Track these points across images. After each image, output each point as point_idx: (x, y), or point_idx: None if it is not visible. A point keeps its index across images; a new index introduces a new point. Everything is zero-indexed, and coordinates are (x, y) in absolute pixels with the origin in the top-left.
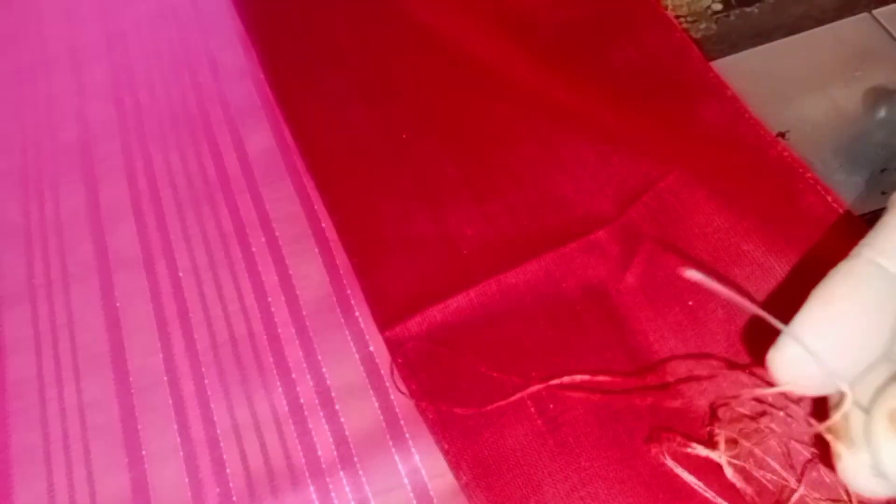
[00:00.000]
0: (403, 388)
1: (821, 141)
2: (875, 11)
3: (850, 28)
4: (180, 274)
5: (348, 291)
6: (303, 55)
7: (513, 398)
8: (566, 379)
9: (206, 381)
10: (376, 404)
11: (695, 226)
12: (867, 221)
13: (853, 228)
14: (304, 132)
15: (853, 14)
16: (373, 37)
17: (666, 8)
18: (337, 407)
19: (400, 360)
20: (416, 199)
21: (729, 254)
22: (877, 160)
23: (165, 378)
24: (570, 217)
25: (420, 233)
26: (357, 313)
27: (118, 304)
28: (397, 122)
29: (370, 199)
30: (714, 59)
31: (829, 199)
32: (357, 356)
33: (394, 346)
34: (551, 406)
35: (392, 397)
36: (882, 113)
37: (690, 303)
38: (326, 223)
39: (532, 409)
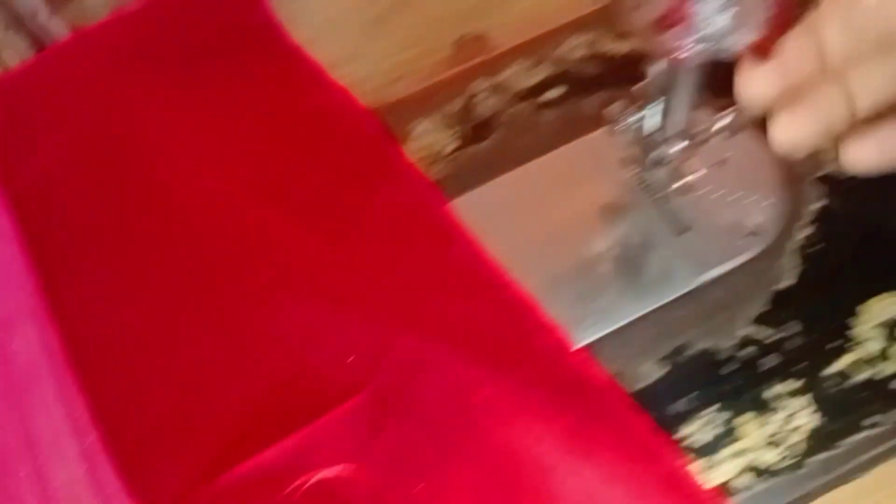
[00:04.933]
0: None
1: (547, 266)
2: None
3: (568, 154)
4: None
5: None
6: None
7: None
8: None
9: None
10: None
11: (431, 384)
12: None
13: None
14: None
15: (570, 141)
16: (129, 214)
17: (407, 155)
18: None
19: None
20: (179, 386)
21: (461, 406)
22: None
23: None
24: (320, 389)
25: (183, 421)
26: None
27: None
28: (153, 297)
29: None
30: (452, 198)
31: (558, 336)
32: None
33: None
34: None
35: None
36: (615, 231)
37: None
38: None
39: None
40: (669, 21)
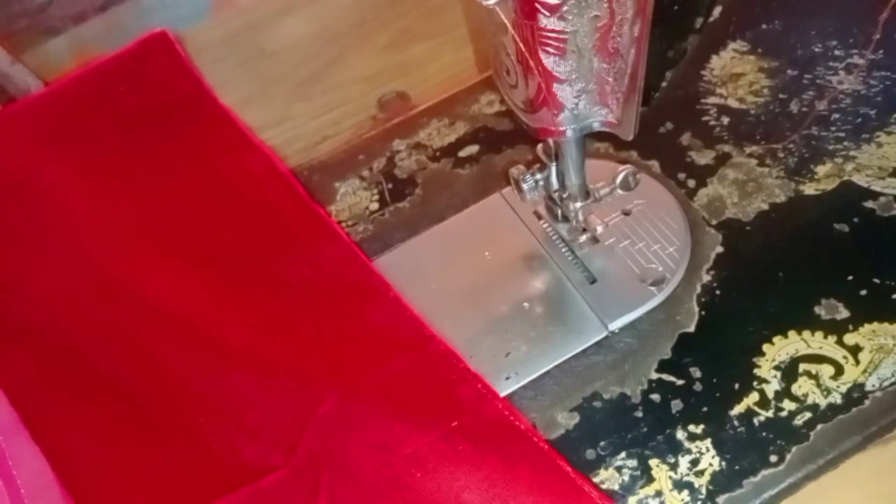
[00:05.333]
0: None
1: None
2: (504, 190)
3: (484, 209)
4: None
5: None
6: None
7: None
8: None
9: None
10: None
11: (359, 443)
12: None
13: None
14: None
15: (488, 195)
16: (60, 283)
17: (330, 214)
18: None
19: None
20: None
21: (391, 461)
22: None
23: None
24: (254, 453)
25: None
26: None
27: None
28: (85, 367)
29: None
30: (374, 257)
31: (480, 386)
32: None
33: None
34: None
35: None
36: (531, 284)
37: None
38: None
39: None
40: (539, 102)
